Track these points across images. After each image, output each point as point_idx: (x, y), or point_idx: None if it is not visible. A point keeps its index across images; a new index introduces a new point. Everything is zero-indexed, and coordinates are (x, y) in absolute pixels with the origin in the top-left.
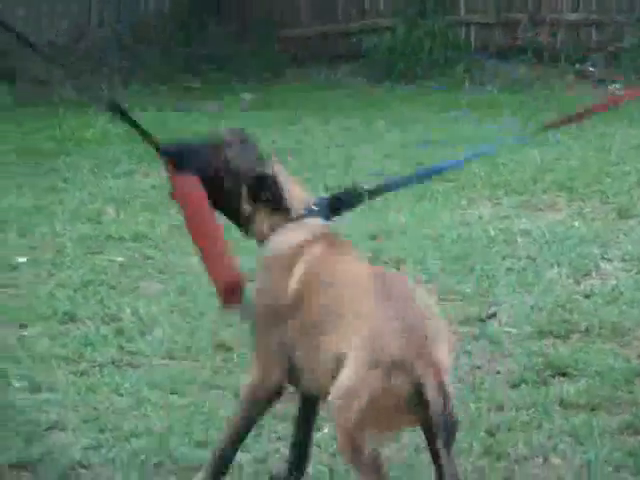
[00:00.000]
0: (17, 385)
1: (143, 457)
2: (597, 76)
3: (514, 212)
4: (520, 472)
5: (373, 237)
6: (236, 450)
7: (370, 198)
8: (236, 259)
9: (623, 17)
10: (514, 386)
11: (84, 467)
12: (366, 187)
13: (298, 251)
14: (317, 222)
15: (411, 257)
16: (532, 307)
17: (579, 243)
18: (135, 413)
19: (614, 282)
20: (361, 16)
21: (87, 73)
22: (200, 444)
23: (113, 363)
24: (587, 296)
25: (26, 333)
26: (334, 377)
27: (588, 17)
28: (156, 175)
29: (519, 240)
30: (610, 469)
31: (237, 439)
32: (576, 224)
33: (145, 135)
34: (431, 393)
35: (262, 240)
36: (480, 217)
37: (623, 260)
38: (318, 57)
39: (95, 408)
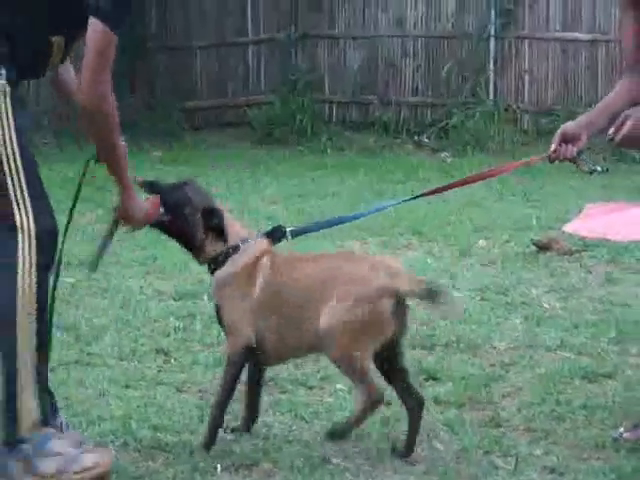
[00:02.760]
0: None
1: (111, 437)
2: (431, 146)
3: (378, 250)
4: (412, 456)
5: None
6: (227, 405)
7: (292, 237)
8: None
9: (451, 100)
10: None
11: None
12: (289, 228)
13: (255, 263)
14: (262, 243)
15: None
16: None
17: (432, 276)
18: (99, 402)
19: (464, 307)
20: (246, 92)
21: None
22: (156, 428)
23: (76, 362)
24: (444, 317)
25: None
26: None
27: (425, 100)
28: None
29: None
30: (482, 453)
31: (228, 395)
32: (428, 260)
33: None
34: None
35: (207, 261)
36: None
37: (469, 289)
38: (212, 124)
39: (66, 398)
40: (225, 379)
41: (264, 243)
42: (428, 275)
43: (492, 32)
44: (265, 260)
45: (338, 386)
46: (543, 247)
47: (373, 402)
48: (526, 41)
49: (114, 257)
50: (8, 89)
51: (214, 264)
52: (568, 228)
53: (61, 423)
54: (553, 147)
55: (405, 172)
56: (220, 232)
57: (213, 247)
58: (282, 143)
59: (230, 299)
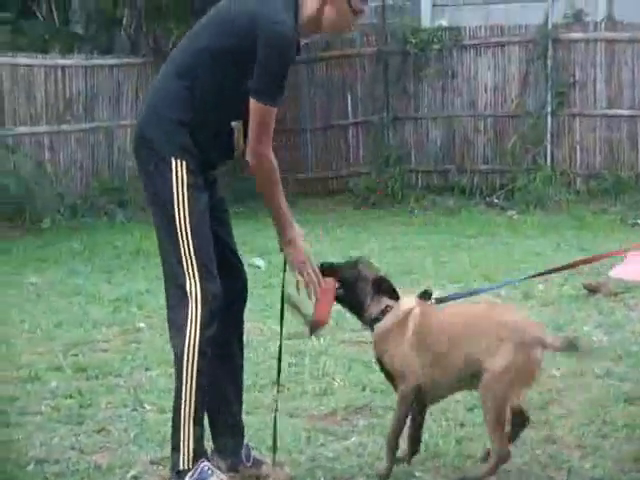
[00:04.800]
0: (148, 409)
1: None
2: (500, 205)
3: None
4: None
5: None
6: (399, 436)
7: (436, 302)
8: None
9: (516, 167)
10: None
11: None
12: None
13: (407, 315)
14: (411, 300)
15: None
16: None
17: None
18: None
19: None
20: (348, 165)
21: None
22: (270, 449)
23: None
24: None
25: (150, 373)
26: (471, 375)
27: (494, 167)
28: None
29: None
30: (540, 467)
31: (401, 427)
32: (498, 302)
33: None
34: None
35: (369, 321)
36: None
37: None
38: (320, 192)
39: None
40: (398, 415)
41: (413, 300)
42: None
43: (549, 110)
44: (416, 311)
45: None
46: (592, 290)
47: (501, 457)
48: (577, 117)
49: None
50: (186, 178)
51: (374, 322)
52: (613, 273)
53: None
54: None
55: (478, 228)
56: (390, 294)
57: (375, 309)
58: (377, 206)
59: (391, 348)
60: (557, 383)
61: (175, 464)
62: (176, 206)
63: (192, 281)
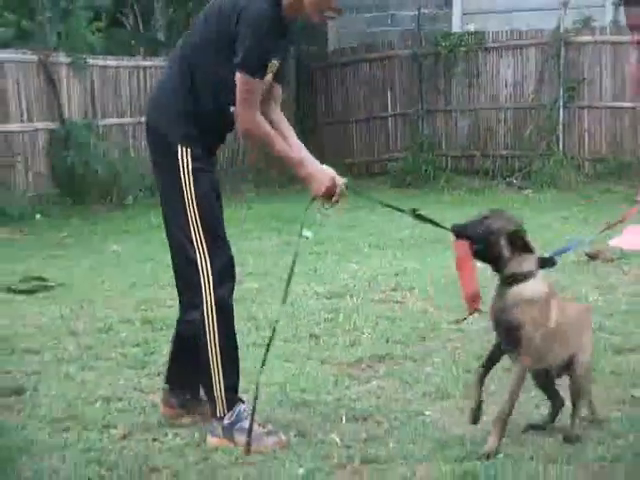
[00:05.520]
0: None
1: (271, 397)
2: (518, 186)
3: None
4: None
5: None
6: (514, 404)
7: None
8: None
9: (532, 153)
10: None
11: None
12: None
13: (548, 298)
14: (545, 276)
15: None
16: None
17: None
18: (267, 373)
19: None
20: (388, 151)
21: None
22: (303, 390)
23: (254, 344)
24: None
25: None
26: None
27: (514, 153)
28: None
29: None
30: (534, 405)
31: (512, 406)
32: None
33: (441, 227)
34: None
35: (507, 276)
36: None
37: None
38: (364, 174)
39: (244, 369)
40: (512, 390)
41: (548, 279)
42: None
43: (561, 103)
44: (555, 299)
45: (436, 359)
46: (593, 256)
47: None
48: (585, 109)
49: (286, 268)
50: (191, 164)
51: (513, 280)
52: (612, 242)
53: None
54: None
55: (498, 204)
56: (525, 249)
57: (516, 264)
58: (413, 186)
59: (537, 320)
60: None
61: (213, 412)
62: (184, 190)
63: (202, 257)
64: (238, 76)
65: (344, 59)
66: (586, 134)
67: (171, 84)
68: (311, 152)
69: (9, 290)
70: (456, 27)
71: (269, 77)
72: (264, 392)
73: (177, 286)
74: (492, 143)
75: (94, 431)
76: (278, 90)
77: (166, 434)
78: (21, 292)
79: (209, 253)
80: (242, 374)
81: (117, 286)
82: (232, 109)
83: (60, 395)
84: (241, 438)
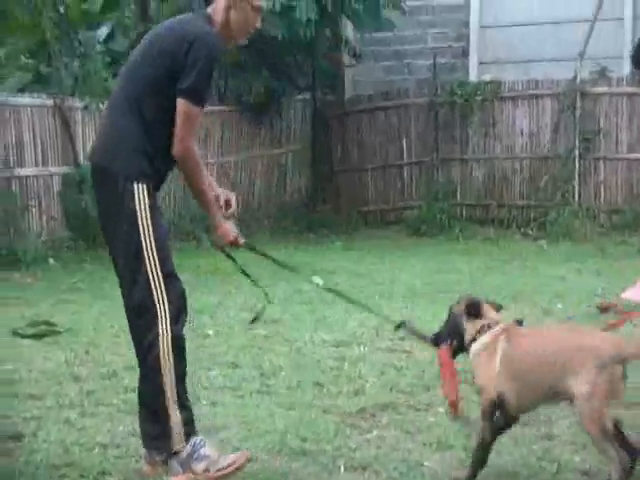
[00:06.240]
0: (204, 403)
1: (271, 445)
2: (533, 236)
3: None
4: (490, 461)
5: None
6: (489, 449)
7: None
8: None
9: (548, 203)
10: None
11: None
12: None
13: (495, 339)
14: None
15: None
16: None
17: None
18: (268, 419)
19: None
20: (403, 199)
21: None
22: (304, 439)
23: (257, 391)
24: None
25: (211, 373)
26: (549, 393)
27: (529, 203)
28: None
29: None
30: (535, 459)
31: (489, 440)
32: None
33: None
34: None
35: (470, 343)
36: None
37: None
38: (379, 223)
39: (245, 416)
40: (483, 428)
41: (507, 324)
42: None
43: (577, 154)
44: (503, 337)
45: (440, 409)
46: (604, 309)
47: (625, 467)
48: (601, 160)
49: (297, 317)
50: (147, 200)
51: (471, 344)
52: (625, 295)
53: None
54: None
55: (512, 254)
56: (479, 312)
57: (471, 331)
58: (427, 235)
59: (479, 366)
60: None
61: (170, 448)
62: (141, 226)
63: (159, 290)
64: (182, 102)
65: (360, 107)
66: (602, 185)
67: (124, 124)
68: (326, 199)
69: (16, 334)
70: (473, 76)
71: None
72: (263, 440)
73: (132, 332)
74: (507, 193)
75: (89, 478)
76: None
77: None
78: (28, 337)
79: (166, 289)
80: (242, 422)
81: (125, 332)
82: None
83: (59, 441)
84: (201, 465)
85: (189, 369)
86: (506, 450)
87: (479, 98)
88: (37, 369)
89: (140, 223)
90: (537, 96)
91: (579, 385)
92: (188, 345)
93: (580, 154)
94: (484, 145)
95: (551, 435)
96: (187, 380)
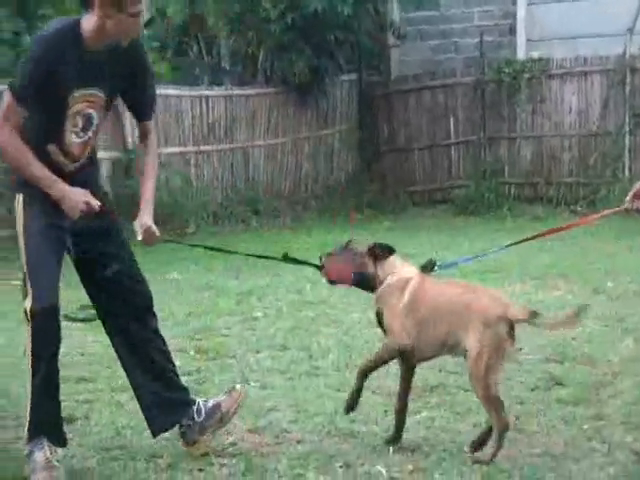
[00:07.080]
0: (253, 385)
1: (320, 427)
2: (582, 213)
3: (534, 290)
4: (532, 441)
5: None
6: (368, 376)
7: (441, 269)
8: None
9: (597, 180)
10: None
11: None
12: (438, 262)
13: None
14: (412, 270)
15: None
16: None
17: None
18: (317, 401)
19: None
20: (450, 179)
21: None
22: (353, 420)
23: (306, 373)
24: (573, 338)
25: (259, 355)
26: (445, 345)
27: (578, 180)
28: None
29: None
30: (585, 439)
31: (372, 366)
32: (569, 297)
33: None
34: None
35: (380, 285)
36: (513, 292)
37: (597, 318)
38: (426, 202)
39: (295, 399)
40: (376, 357)
41: (414, 270)
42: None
43: (627, 130)
44: (413, 281)
45: None
46: None
47: (501, 428)
48: None
49: (344, 298)
50: (24, 209)
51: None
52: None
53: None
54: (628, 199)
55: (562, 233)
56: (386, 253)
57: (382, 275)
58: (475, 214)
59: (387, 307)
60: (613, 367)
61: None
62: (20, 234)
63: (27, 298)
64: (5, 93)
65: (407, 86)
66: None
67: None
68: (373, 180)
69: (67, 318)
70: (520, 54)
71: (83, 105)
72: (312, 422)
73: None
74: (556, 170)
75: (141, 460)
76: (144, 127)
77: (212, 464)
78: (79, 320)
79: (31, 298)
80: (292, 404)
81: (174, 314)
82: (50, 147)
83: (110, 424)
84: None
85: (238, 351)
86: (555, 430)
87: (527, 76)
88: (88, 352)
89: (19, 232)
90: (586, 73)
91: (468, 341)
92: (238, 327)
93: (630, 130)
94: (532, 123)
95: (602, 415)
96: (235, 363)
